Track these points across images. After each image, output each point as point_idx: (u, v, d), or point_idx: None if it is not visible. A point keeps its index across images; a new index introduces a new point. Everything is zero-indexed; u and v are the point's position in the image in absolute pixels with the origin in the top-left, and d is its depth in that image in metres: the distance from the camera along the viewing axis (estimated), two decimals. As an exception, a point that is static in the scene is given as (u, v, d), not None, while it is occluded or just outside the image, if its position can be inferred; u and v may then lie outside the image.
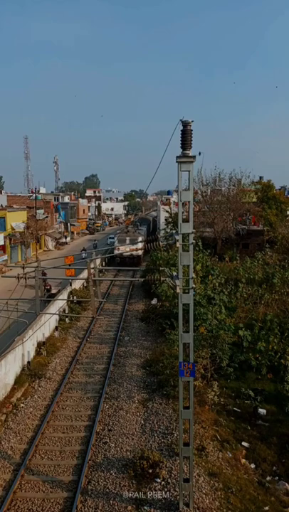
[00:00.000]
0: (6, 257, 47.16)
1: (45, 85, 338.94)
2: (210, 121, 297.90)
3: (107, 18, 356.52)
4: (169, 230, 44.64)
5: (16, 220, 51.90)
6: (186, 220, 10.49)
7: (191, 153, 10.09)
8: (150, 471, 12.09)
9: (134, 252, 42.69)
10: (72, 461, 13.06)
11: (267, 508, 11.16)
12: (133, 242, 42.46)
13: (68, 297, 29.58)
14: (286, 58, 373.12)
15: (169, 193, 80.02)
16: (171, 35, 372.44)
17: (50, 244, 63.51)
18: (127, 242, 43.52)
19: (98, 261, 32.24)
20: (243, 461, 13.09)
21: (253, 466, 13.01)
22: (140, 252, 44.53)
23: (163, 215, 53.84)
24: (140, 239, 44.19)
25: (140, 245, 41.32)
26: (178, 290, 10.50)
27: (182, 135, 10.04)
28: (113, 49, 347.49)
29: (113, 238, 60.21)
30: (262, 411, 15.48)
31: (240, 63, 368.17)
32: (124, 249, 43.18)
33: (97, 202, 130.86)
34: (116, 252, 43.93)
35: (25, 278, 14.94)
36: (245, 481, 12.15)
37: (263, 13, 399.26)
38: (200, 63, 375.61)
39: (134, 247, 40.90)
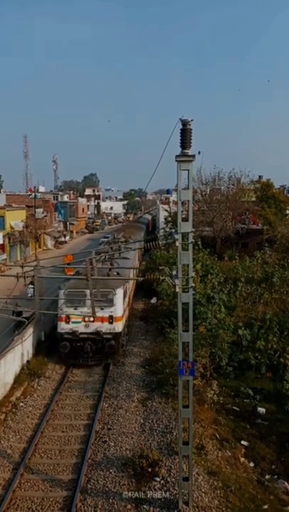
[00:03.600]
0: (5, 256, 47.14)
1: (45, 85, 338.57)
2: (210, 120, 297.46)
3: (107, 17, 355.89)
4: (168, 229, 44.59)
5: (15, 219, 51.90)
6: (185, 219, 10.50)
7: (190, 152, 10.09)
8: (149, 469, 12.10)
9: (105, 327, 19.24)
10: (71, 460, 13.07)
11: (266, 506, 11.17)
12: (103, 299, 19.19)
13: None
14: (286, 56, 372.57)
15: (168, 191, 79.97)
16: (171, 36, 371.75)
17: (50, 243, 63.51)
18: (88, 299, 18.87)
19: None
20: (243, 459, 13.10)
21: (252, 464, 13.03)
22: (120, 326, 19.84)
23: (162, 214, 53.63)
24: (120, 293, 19.91)
25: (120, 307, 19.74)
26: (177, 289, 10.50)
27: (182, 134, 10.04)
28: (113, 49, 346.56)
29: (107, 238, 43.52)
30: (261, 410, 15.50)
31: (240, 62, 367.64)
32: (82, 316, 19.27)
33: (96, 201, 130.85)
34: (61, 327, 19.41)
35: (24, 277, 14.98)
36: (245, 480, 12.16)
37: (262, 11, 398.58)
38: (200, 63, 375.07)
39: (104, 313, 19.18)
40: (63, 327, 19.33)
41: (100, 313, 19.06)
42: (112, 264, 23.82)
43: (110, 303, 19.43)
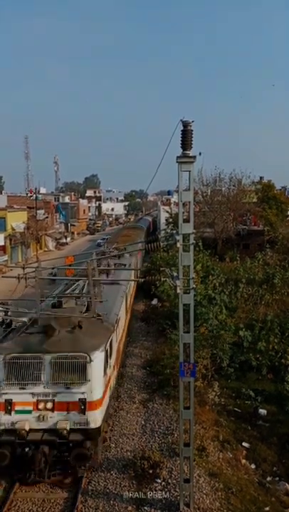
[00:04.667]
0: (6, 257, 47.22)
1: (45, 85, 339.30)
2: (210, 120, 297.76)
3: (107, 17, 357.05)
4: (169, 231, 44.60)
5: (17, 221, 51.96)
6: (186, 221, 10.49)
7: (191, 153, 10.09)
8: (150, 471, 12.07)
9: (72, 420, 10.96)
10: (72, 462, 13.01)
11: (267, 508, 11.16)
12: (72, 374, 11.04)
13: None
14: (286, 56, 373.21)
15: (169, 193, 79.99)
16: (172, 36, 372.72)
17: (51, 244, 63.64)
18: (45, 373, 11.04)
19: None
20: (244, 461, 13.08)
21: (253, 466, 13.01)
22: (98, 418, 11.23)
23: (163, 216, 53.64)
24: (98, 359, 11.39)
25: (99, 383, 11.41)
26: (178, 290, 10.48)
27: (182, 135, 10.04)
28: (114, 48, 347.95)
29: (103, 241, 44.29)
30: (262, 411, 15.48)
31: (240, 62, 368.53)
32: (33, 401, 10.99)
33: (97, 202, 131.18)
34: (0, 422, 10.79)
35: (25, 278, 14.95)
36: (246, 482, 12.15)
37: (263, 11, 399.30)
38: (200, 63, 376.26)
39: (70, 395, 11.03)
40: (1, 421, 11.17)
41: (63, 396, 11.13)
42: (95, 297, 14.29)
43: (82, 377, 11.18)
